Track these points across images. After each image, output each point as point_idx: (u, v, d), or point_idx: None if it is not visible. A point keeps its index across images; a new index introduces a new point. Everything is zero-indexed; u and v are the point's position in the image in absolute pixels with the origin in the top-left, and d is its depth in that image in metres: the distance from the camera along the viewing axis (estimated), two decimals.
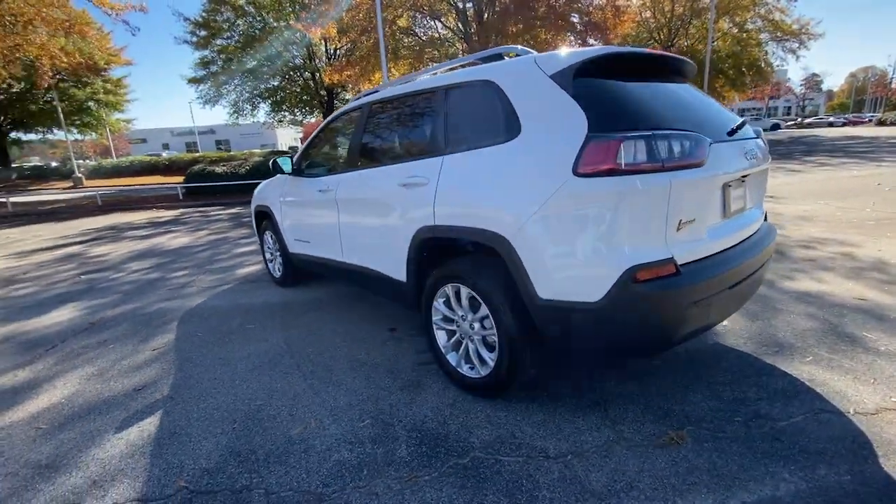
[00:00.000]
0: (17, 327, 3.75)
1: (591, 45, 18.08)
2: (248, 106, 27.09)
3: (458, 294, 2.19)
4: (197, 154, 26.15)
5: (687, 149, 1.67)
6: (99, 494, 1.75)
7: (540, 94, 1.86)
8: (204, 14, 24.05)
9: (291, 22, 22.10)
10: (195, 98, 27.18)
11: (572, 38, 17.34)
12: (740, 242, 2.04)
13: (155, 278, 5.15)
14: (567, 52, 1.91)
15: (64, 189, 21.07)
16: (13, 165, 26.71)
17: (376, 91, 3.05)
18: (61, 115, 23.21)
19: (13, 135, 26.78)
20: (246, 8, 24.12)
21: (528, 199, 1.79)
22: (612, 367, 2.42)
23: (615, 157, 1.59)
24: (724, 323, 2.89)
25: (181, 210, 12.56)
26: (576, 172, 1.66)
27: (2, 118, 24.15)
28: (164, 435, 2.11)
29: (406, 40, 19.81)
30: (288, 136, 52.47)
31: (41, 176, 26.32)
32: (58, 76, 20.49)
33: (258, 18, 24.96)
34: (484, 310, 2.05)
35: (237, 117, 27.29)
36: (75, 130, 27.53)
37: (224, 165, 14.26)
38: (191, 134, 51.89)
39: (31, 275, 5.74)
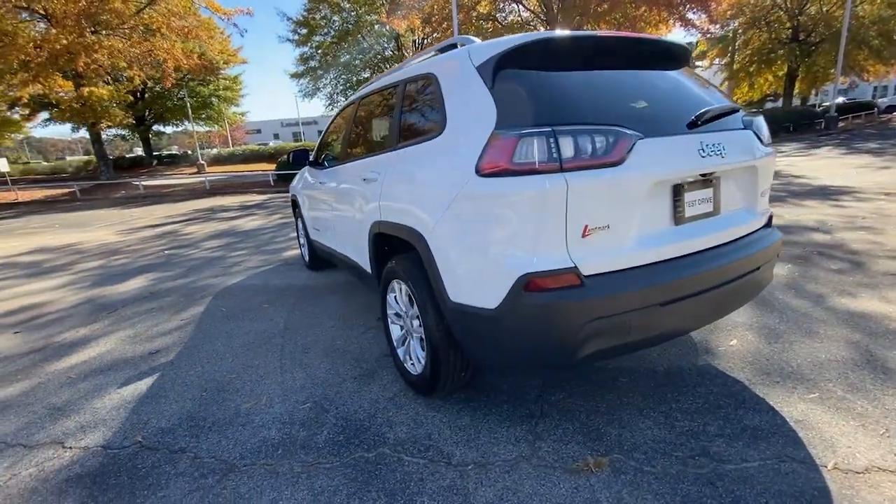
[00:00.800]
0: (99, 292, 4.53)
1: (691, 21, 16.23)
2: (341, 98, 28.95)
3: (401, 290, 2.20)
4: (298, 144, 28.59)
5: (595, 146, 1.47)
6: (79, 437, 2.10)
7: (465, 86, 1.77)
8: (304, 13, 26.02)
9: (381, 16, 23.01)
10: (297, 92, 29.61)
11: (666, 13, 15.67)
12: (705, 251, 1.76)
13: (217, 256, 5.84)
14: (501, 40, 1.78)
15: (189, 174, 24.47)
16: (154, 154, 31.58)
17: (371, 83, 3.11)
18: (189, 110, 26.95)
19: (155, 127, 31.59)
20: (342, 4, 25.59)
21: (440, 198, 1.73)
22: (575, 377, 2.25)
23: (511, 156, 1.47)
24: (732, 342, 2.51)
25: (269, 195, 13.94)
26: (477, 171, 1.57)
27: (146, 113, 28.59)
28: (149, 395, 2.44)
29: (486, 26, 19.53)
30: None
31: (174, 162, 30.84)
32: (184, 76, 23.70)
33: (352, 13, 26.36)
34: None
35: (332, 108, 29.35)
36: (201, 123, 31.71)
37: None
38: (297, 125, 56.87)
39: (131, 248, 6.84)
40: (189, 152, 32.39)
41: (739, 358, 2.35)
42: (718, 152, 1.73)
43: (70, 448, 2.02)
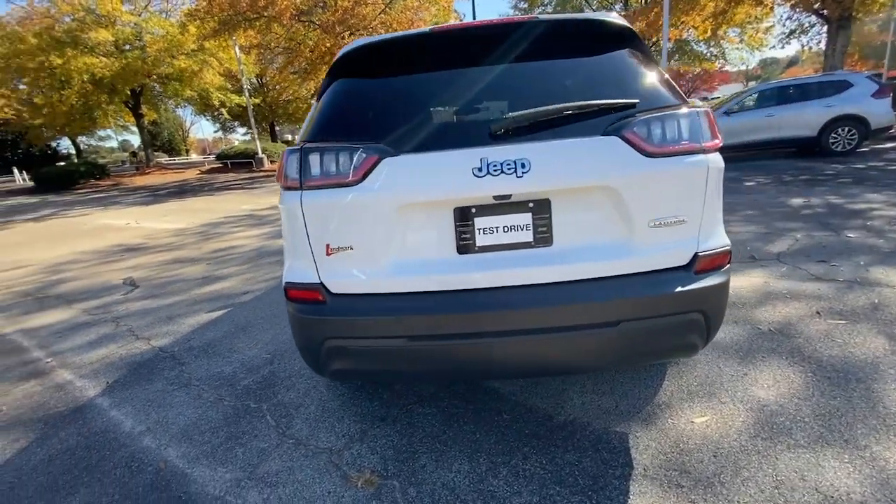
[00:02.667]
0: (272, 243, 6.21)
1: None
2: None
3: None
4: None
5: (334, 165, 1.40)
6: (162, 338, 3.21)
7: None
8: None
9: None
10: None
11: None
12: (513, 287, 1.43)
13: None
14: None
15: None
16: None
17: None
18: None
19: None
20: None
21: None
22: (465, 398, 2.12)
23: (283, 171, 1.56)
24: (702, 418, 1.85)
25: None
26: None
27: None
28: (210, 322, 3.45)
29: None
30: None
31: None
32: None
33: None
34: None
35: None
36: None
37: None
38: None
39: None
40: None
41: (671, 439, 1.74)
42: (513, 170, 1.35)
43: (148, 342, 3.14)
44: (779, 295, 2.96)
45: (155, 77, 22.29)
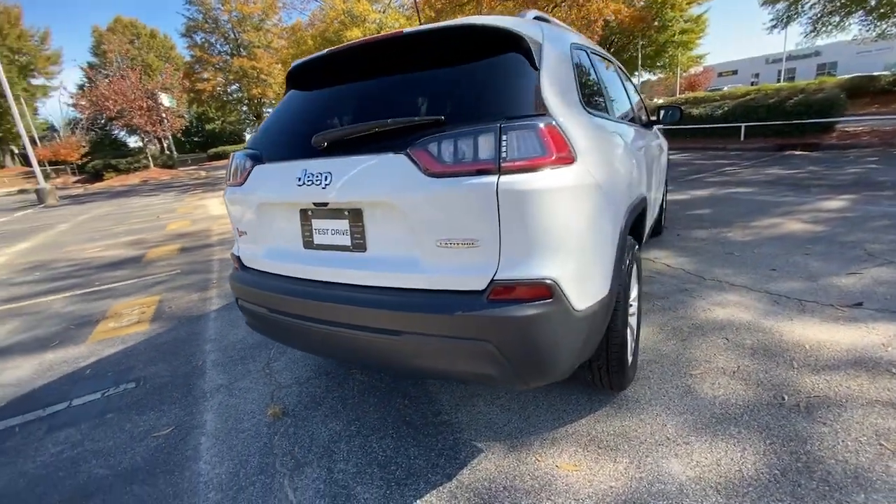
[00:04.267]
0: None
1: None
2: (832, 20, 21.26)
3: None
4: (754, 88, 23.78)
5: (232, 168, 1.82)
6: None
7: None
8: None
9: None
10: (767, 22, 24.05)
11: None
12: (336, 283, 1.63)
13: None
14: None
15: None
16: None
17: None
18: (639, 59, 27.95)
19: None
20: None
21: None
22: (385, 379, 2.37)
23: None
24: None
25: None
26: None
27: None
28: None
29: None
30: None
31: None
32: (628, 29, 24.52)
33: None
34: None
35: (815, 36, 22.26)
36: (653, 72, 32.13)
37: (704, 106, 13.53)
38: (789, 59, 45.73)
39: None
40: None
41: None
42: (319, 182, 1.50)
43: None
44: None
45: None
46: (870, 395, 1.85)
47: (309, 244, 1.72)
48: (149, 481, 1.79)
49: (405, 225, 1.45)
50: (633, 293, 2.04)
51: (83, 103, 29.13)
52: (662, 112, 3.57)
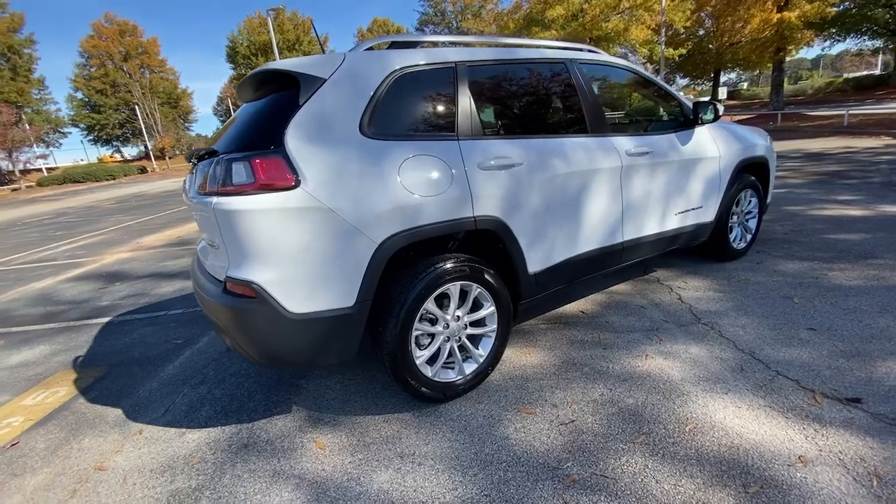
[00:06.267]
0: None
1: None
2: None
3: None
4: None
5: None
6: None
7: None
8: None
9: None
10: None
11: None
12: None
13: None
14: None
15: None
16: None
17: None
18: None
19: None
20: None
21: None
22: None
23: None
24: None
25: None
26: None
27: None
28: None
29: None
30: None
31: None
32: None
33: None
34: None
35: None
36: None
37: None
38: None
39: None
40: None
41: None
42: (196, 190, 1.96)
43: None
44: None
45: (588, 41, 25.06)
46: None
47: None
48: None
49: (211, 228, 1.93)
50: (450, 316, 2.03)
51: None
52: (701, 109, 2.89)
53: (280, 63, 1.85)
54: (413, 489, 1.61)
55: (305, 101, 1.74)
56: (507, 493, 1.55)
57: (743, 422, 1.76)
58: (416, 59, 2.00)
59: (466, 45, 2.39)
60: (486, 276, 2.06)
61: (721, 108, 2.97)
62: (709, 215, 3.16)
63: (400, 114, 1.92)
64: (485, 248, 2.20)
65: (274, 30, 25.56)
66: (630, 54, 27.27)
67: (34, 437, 2.17)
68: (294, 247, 1.67)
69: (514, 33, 26.08)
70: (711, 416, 1.82)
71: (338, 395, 2.26)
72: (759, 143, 3.46)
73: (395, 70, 1.93)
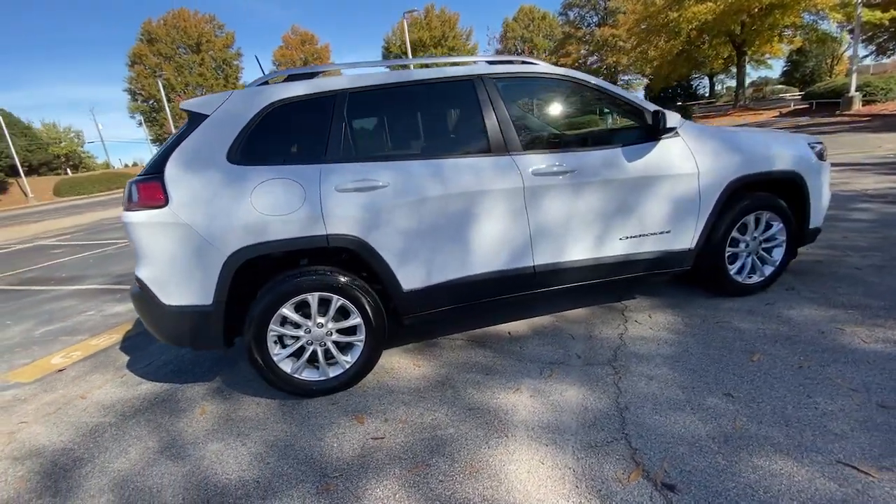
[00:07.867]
0: None
1: None
2: None
3: None
4: None
5: None
6: None
7: None
8: None
9: None
10: None
11: None
12: None
13: None
14: None
15: None
16: None
17: None
18: None
19: None
20: None
21: None
22: None
23: None
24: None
25: None
26: None
27: None
28: None
29: None
30: None
31: None
32: None
33: None
34: None
35: None
36: None
37: None
38: None
39: None
40: None
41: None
42: None
43: None
44: None
45: (756, 10, 20.82)
46: None
47: None
48: None
49: None
50: (311, 322, 2.25)
51: None
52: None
53: (185, 102, 2.29)
54: (219, 462, 1.94)
55: (189, 134, 2.15)
56: (275, 486, 1.77)
57: (529, 479, 1.64)
58: (296, 91, 2.26)
59: (369, 67, 2.54)
60: (346, 289, 2.23)
61: (678, 117, 2.51)
62: (684, 242, 2.69)
63: (269, 142, 2.21)
64: (358, 264, 2.36)
65: (414, 30, 27.46)
66: (821, 22, 21.98)
67: (75, 367, 3.11)
68: (165, 252, 2.11)
69: (663, 8, 23.26)
70: (505, 465, 1.72)
71: (250, 376, 2.69)
72: (783, 153, 2.77)
73: (271, 103, 2.21)
